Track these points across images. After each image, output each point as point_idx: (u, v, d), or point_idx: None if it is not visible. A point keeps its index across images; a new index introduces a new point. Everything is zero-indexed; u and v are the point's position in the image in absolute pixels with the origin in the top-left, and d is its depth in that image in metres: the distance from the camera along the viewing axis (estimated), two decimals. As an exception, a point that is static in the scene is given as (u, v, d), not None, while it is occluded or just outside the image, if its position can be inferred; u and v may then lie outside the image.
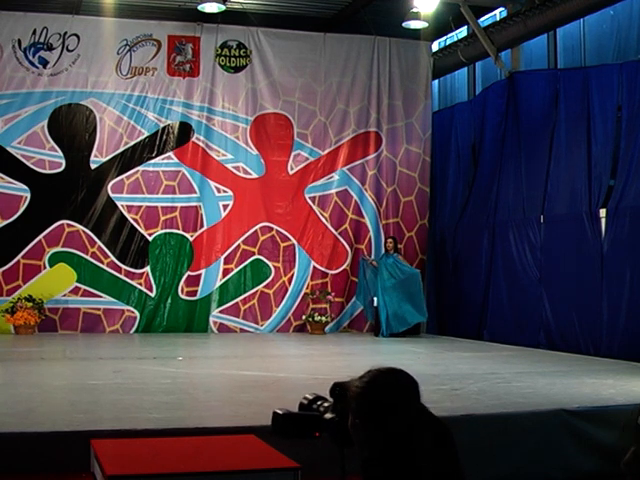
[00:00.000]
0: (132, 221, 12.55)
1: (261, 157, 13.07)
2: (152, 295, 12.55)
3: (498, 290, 11.87)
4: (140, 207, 12.59)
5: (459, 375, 7.43)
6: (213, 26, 12.89)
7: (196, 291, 12.70)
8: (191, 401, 6.28)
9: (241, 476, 3.33)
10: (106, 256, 12.42)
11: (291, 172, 13.15)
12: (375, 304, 12.43)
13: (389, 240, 12.70)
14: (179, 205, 12.73)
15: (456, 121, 13.57)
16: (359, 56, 13.45)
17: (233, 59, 13.05)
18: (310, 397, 2.21)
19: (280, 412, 2.11)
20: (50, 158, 12.33)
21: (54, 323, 12.16)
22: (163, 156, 12.73)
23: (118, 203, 12.52)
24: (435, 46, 14.20)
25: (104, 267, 12.40)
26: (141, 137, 12.66)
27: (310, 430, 2.16)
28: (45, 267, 12.22)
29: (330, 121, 13.30)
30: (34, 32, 12.27)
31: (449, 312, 13.01)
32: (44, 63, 12.35)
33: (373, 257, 12.93)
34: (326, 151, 13.28)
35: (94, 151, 12.49)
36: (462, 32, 13.77)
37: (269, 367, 8.35)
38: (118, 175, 12.55)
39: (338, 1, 13.04)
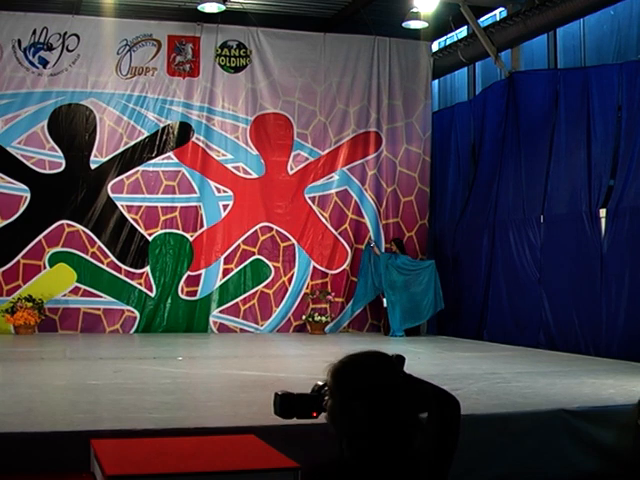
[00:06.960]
0: (132, 221, 12.55)
1: (261, 157, 13.07)
2: (152, 295, 12.55)
3: (498, 290, 11.86)
4: (140, 207, 12.60)
5: (459, 375, 7.42)
6: (213, 26, 12.89)
7: (196, 291, 12.70)
8: (191, 401, 6.28)
9: (241, 476, 3.33)
10: (106, 256, 12.42)
11: (291, 172, 13.15)
12: (385, 305, 12.46)
13: (393, 243, 12.74)
14: (179, 205, 12.74)
15: (456, 121, 13.56)
16: (359, 56, 13.45)
17: (233, 59, 13.05)
18: (320, 383, 2.35)
19: (280, 393, 2.25)
20: (50, 158, 12.33)
21: (54, 323, 12.16)
22: (163, 156, 12.73)
23: (118, 203, 12.52)
24: (435, 46, 14.19)
25: (104, 267, 12.40)
26: (141, 137, 12.67)
27: (308, 410, 2.29)
28: (45, 267, 12.22)
29: (330, 121, 13.30)
30: (34, 32, 12.28)
31: (449, 312, 12.99)
32: (44, 63, 12.35)
33: (374, 256, 12.92)
34: (326, 151, 13.28)
35: (94, 151, 12.49)
36: (462, 32, 13.76)
37: (269, 367, 8.35)
38: (118, 175, 12.55)
39: (338, 1, 13.03)
